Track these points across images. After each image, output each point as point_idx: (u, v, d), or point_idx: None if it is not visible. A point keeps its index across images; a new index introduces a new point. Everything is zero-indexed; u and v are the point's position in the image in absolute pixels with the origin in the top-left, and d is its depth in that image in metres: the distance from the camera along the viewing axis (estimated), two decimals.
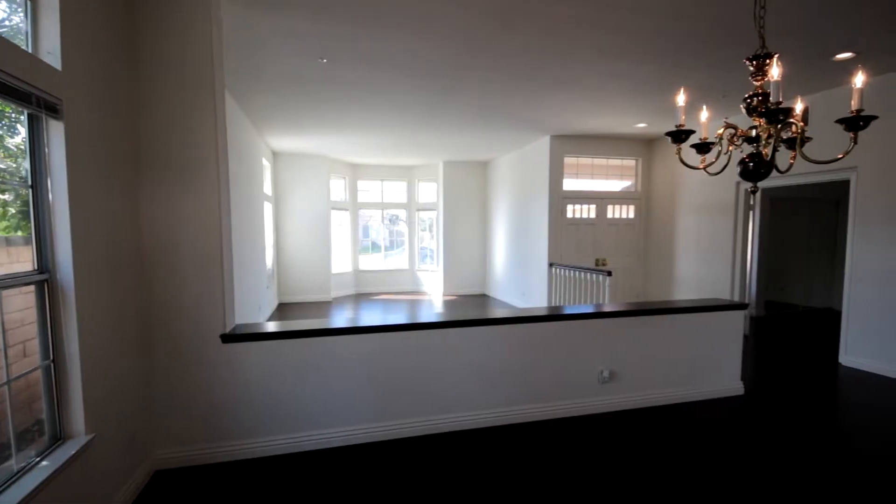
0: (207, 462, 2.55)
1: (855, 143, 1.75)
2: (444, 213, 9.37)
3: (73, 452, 1.75)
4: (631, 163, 7.30)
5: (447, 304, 8.55)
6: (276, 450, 2.66)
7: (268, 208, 7.48)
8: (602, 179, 7.24)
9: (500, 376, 3.09)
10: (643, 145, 7.19)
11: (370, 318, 3.08)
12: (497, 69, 3.95)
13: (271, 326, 2.81)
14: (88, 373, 1.88)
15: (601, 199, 7.17)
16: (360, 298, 9.11)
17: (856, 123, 1.64)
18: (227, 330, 2.56)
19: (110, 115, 2.09)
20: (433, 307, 8.29)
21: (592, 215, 7.15)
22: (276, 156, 8.22)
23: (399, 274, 10.09)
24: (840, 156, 1.69)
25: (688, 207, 6.47)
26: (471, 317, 3.08)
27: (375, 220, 10.10)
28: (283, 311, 7.75)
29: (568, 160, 6.98)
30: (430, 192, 9.97)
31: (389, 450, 2.74)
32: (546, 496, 2.26)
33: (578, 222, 7.10)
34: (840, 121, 1.67)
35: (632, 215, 7.33)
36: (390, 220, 10.19)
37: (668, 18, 3.00)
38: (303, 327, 2.76)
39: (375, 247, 10.17)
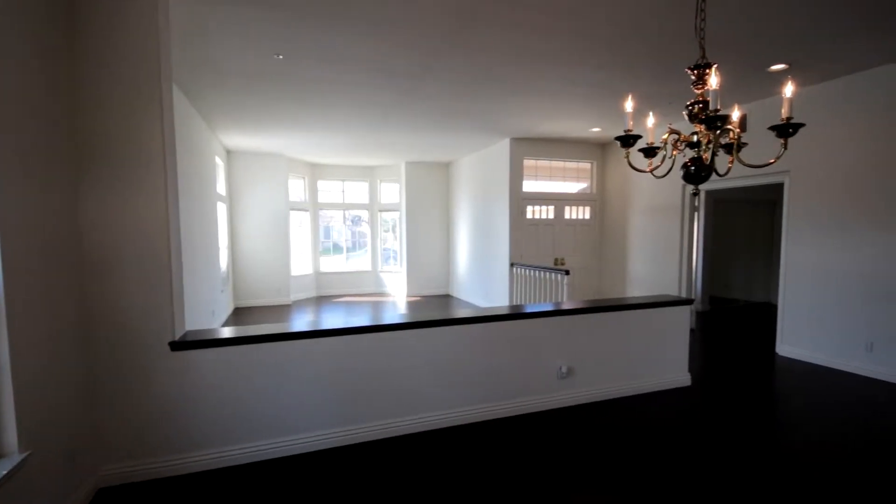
0: (158, 476, 2.42)
1: (785, 148, 1.90)
2: (406, 214, 9.35)
3: (5, 472, 1.61)
4: (586, 165, 7.57)
5: (411, 305, 8.53)
6: (234, 460, 2.56)
7: (221, 209, 7.19)
8: (560, 181, 7.46)
9: (464, 375, 3.12)
10: (598, 149, 7.46)
11: (332, 320, 3.03)
12: (457, 72, 3.99)
13: (226, 332, 2.70)
14: (21, 385, 1.74)
15: (559, 201, 7.39)
16: (322, 301, 8.92)
17: (786, 130, 1.77)
18: (177, 337, 2.44)
19: (43, 108, 1.95)
20: (397, 308, 8.24)
21: (551, 216, 7.35)
22: (230, 154, 7.91)
23: (362, 275, 9.96)
24: (772, 161, 1.83)
25: (639, 209, 6.77)
26: (434, 317, 3.09)
27: (337, 220, 9.93)
28: (239, 315, 7.47)
29: (527, 162, 7.14)
30: (392, 192, 9.91)
31: (354, 454, 2.70)
32: (510, 493, 2.31)
33: (538, 223, 7.28)
34: (772, 128, 1.80)
35: (588, 216, 7.59)
36: (352, 221, 10.05)
37: (620, 28, 3.13)
38: (260, 332, 2.67)
39: (337, 248, 9.99)
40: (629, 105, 1.91)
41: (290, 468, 2.54)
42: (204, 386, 2.49)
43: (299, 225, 9.23)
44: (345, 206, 9.85)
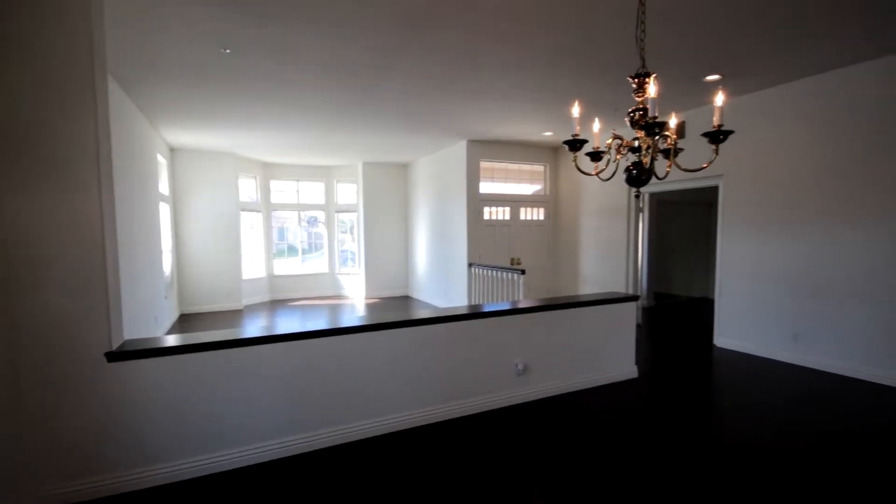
0: (103, 495, 2.26)
1: (716, 153, 2.05)
2: (364, 215, 9.23)
3: None
4: (540, 168, 7.79)
5: (370, 307, 8.43)
6: (187, 474, 2.43)
7: (165, 209, 6.80)
8: (515, 183, 7.63)
9: (424, 376, 3.13)
10: (550, 152, 7.70)
11: (286, 325, 2.94)
12: (414, 73, 3.99)
13: (169, 340, 2.56)
14: None
15: (515, 202, 7.55)
16: (276, 305, 8.63)
17: (717, 137, 1.91)
18: (114, 347, 2.29)
19: None
20: (355, 311, 8.11)
21: (507, 217, 7.50)
22: (173, 152, 7.50)
23: (318, 278, 9.73)
24: (704, 165, 1.97)
25: (589, 210, 7.05)
26: (393, 319, 3.08)
27: (292, 221, 9.64)
28: (185, 322, 7.08)
29: (484, 164, 7.25)
30: (349, 193, 9.76)
31: (314, 461, 2.63)
32: (471, 492, 2.33)
33: (495, 223, 7.40)
34: (704, 134, 1.94)
35: (542, 217, 7.81)
36: (308, 222, 9.79)
37: (568, 36, 3.25)
38: (207, 339, 2.55)
39: (292, 250, 9.70)
40: (576, 110, 1.99)
41: (246, 479, 2.44)
42: (147, 399, 2.35)
43: (251, 226, 8.88)
44: (300, 207, 9.58)
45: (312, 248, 9.90)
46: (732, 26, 3.14)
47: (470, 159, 7.02)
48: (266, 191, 9.12)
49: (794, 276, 4.40)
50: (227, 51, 3.45)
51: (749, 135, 4.67)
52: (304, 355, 2.73)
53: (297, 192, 9.54)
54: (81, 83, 2.13)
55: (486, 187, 7.28)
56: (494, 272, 6.27)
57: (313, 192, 9.68)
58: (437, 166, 8.12)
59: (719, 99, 1.94)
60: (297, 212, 9.58)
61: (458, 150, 7.22)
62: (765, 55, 3.68)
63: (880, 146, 3.77)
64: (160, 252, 6.17)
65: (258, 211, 8.96)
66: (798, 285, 4.37)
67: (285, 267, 9.57)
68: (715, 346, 5.14)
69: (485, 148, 7.12)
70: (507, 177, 7.55)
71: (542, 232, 7.81)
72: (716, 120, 1.92)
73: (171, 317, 6.92)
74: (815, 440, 2.83)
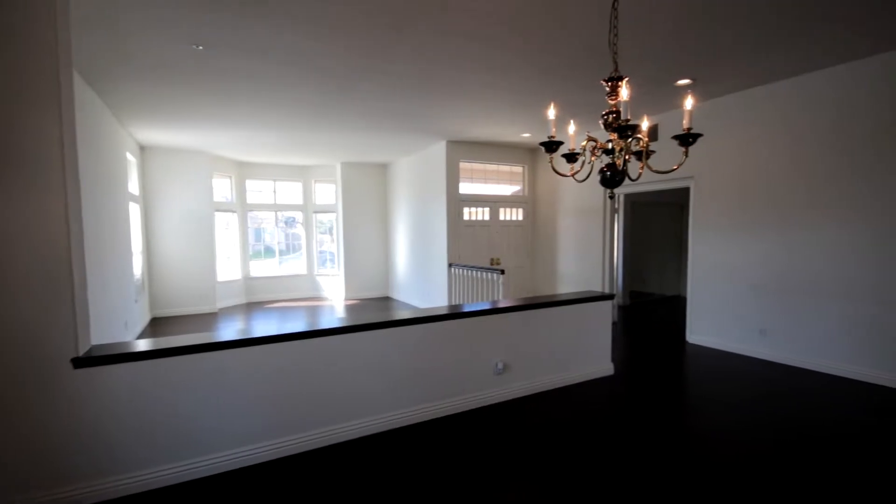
0: None
1: (686, 156, 2.12)
2: (343, 216, 9.14)
3: None
4: (519, 169, 7.87)
5: (349, 308, 8.35)
6: (163, 481, 2.36)
7: (135, 210, 6.59)
8: (494, 184, 7.69)
9: (404, 377, 3.12)
10: (528, 153, 7.79)
11: (263, 328, 2.90)
12: (393, 73, 3.98)
13: (140, 345, 2.49)
14: None
15: (494, 203, 7.61)
16: (253, 308, 8.47)
17: (686, 140, 1.97)
18: (80, 353, 2.21)
19: None
20: (334, 312, 8.03)
21: (487, 217, 7.55)
22: (144, 150, 7.27)
23: (296, 279, 9.58)
24: (675, 167, 2.03)
25: (566, 211, 7.17)
26: (372, 320, 3.06)
27: (269, 222, 9.47)
28: (157, 326, 6.88)
29: (463, 165, 7.28)
30: (328, 193, 9.65)
31: (290, 466, 2.60)
32: (451, 492, 2.34)
33: (474, 224, 7.44)
34: (674, 137, 2.00)
35: (521, 217, 7.89)
36: (286, 223, 9.64)
37: (545, 39, 3.30)
38: (180, 343, 2.49)
39: (269, 251, 9.53)
40: (552, 113, 2.03)
41: (222, 486, 2.39)
42: (117, 406, 2.27)
43: (226, 227, 8.69)
44: (277, 208, 9.42)
45: (290, 249, 9.75)
46: (702, 33, 3.25)
47: (449, 160, 7.04)
48: (241, 190, 8.94)
49: (761, 275, 4.58)
50: (200, 48, 3.37)
51: (719, 138, 4.83)
52: (281, 358, 2.69)
53: (274, 192, 9.38)
54: (45, 78, 2.05)
55: (465, 188, 7.31)
56: (474, 272, 6.30)
57: (291, 192, 9.53)
58: (416, 167, 8.11)
59: (689, 103, 2.01)
60: (273, 212, 9.42)
61: (438, 150, 7.23)
62: (733, 61, 3.82)
63: (838, 149, 3.96)
64: (130, 254, 5.97)
65: (233, 211, 8.77)
66: (764, 283, 4.55)
67: (262, 268, 9.39)
68: (687, 342, 5.29)
69: (464, 149, 7.15)
70: (486, 177, 7.60)
71: (522, 232, 7.90)
72: (685, 123, 1.98)
73: (143, 321, 6.71)
74: (778, 428, 2.95)
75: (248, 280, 9.11)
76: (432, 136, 6.72)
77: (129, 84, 4.18)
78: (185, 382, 2.43)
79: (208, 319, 7.34)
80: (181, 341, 2.52)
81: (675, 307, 7.56)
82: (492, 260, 7.51)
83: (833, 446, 2.73)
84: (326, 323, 3.02)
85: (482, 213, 7.53)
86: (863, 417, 3.15)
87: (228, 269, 8.69)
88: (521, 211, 7.89)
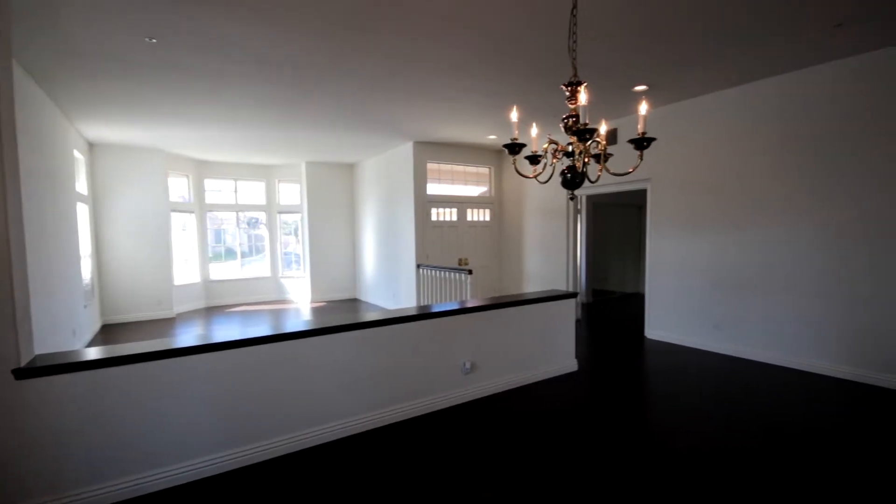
0: None
1: (641, 159, 2.22)
2: (309, 216, 8.96)
3: None
4: (485, 170, 7.97)
5: (316, 311, 8.20)
6: (111, 497, 2.24)
7: (83, 210, 6.22)
8: (461, 185, 7.75)
9: (372, 380, 3.10)
10: (495, 155, 7.90)
11: (224, 332, 2.81)
12: (356, 73, 3.94)
13: (90, 353, 2.36)
14: None
15: (461, 204, 7.67)
16: (213, 312, 8.16)
17: (641, 143, 2.07)
18: (23, 363, 2.07)
19: None
20: (300, 315, 7.86)
21: (454, 218, 7.60)
22: (93, 148, 6.88)
23: (260, 282, 9.31)
24: (630, 170, 2.13)
25: (532, 211, 7.32)
26: (339, 322, 3.02)
27: (230, 223, 9.15)
28: (109, 333, 6.52)
29: (431, 166, 7.30)
30: (292, 193, 9.43)
31: (254, 475, 2.53)
32: (422, 494, 2.35)
33: (442, 225, 7.48)
34: (630, 141, 2.09)
35: (488, 218, 7.99)
36: (248, 224, 9.35)
37: (508, 43, 3.36)
38: (132, 350, 2.38)
39: (231, 253, 9.21)
40: (514, 115, 2.07)
41: (180, 499, 2.30)
42: (64, 419, 2.15)
43: (183, 228, 8.34)
44: (238, 208, 9.13)
45: (253, 250, 9.46)
46: (657, 42, 3.40)
47: (417, 160, 7.04)
48: (200, 190, 8.60)
49: (713, 272, 4.83)
50: (153, 41, 3.23)
51: (674, 141, 5.07)
52: (243, 364, 2.62)
53: (235, 191, 9.08)
54: None
55: (433, 188, 7.33)
56: (443, 273, 6.33)
57: (253, 191, 9.26)
58: (383, 167, 8.06)
59: (643, 108, 2.11)
60: (235, 213, 9.12)
61: (405, 151, 7.22)
62: (686, 69, 4.02)
63: (781, 153, 4.24)
64: (78, 257, 5.63)
65: (191, 212, 8.43)
66: (716, 279, 4.80)
67: (223, 271, 9.07)
68: (646, 337, 5.51)
69: (431, 149, 7.17)
70: (453, 178, 7.65)
71: (489, 232, 7.99)
72: (640, 127, 2.07)
73: (93, 328, 6.34)
74: (728, 416, 3.13)
75: (208, 283, 8.77)
76: (399, 137, 6.70)
77: (76, 77, 3.95)
78: (138, 392, 2.32)
79: (165, 325, 7.02)
80: (134, 349, 2.41)
81: (634, 304, 7.85)
82: (460, 260, 7.57)
83: (776, 430, 2.93)
84: (291, 326, 2.96)
85: (450, 214, 7.57)
86: (803, 403, 3.39)
87: (186, 272, 8.34)
88: (488, 212, 7.99)
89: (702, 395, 3.60)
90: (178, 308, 7.89)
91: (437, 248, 7.35)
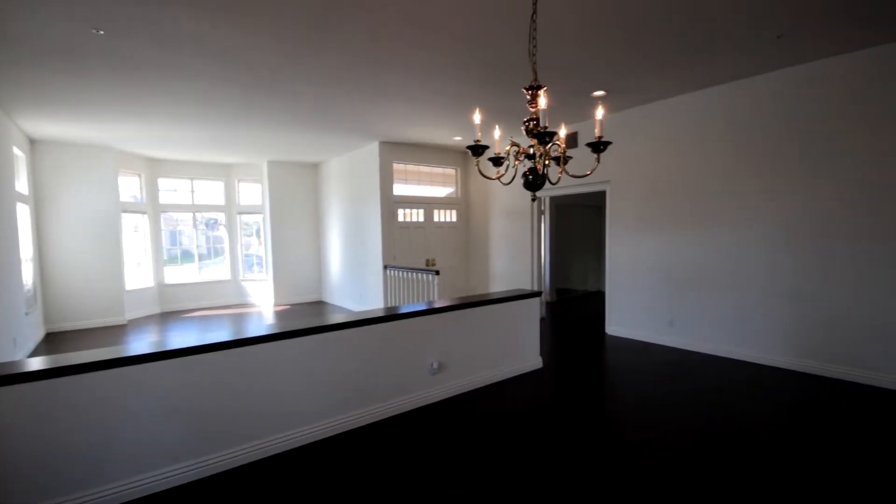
0: None
1: (598, 162, 2.30)
2: (271, 217, 8.73)
3: None
4: (451, 171, 8.01)
5: (279, 314, 7.98)
6: None
7: (24, 211, 5.81)
8: (428, 186, 7.76)
9: (338, 383, 3.06)
10: (461, 156, 7.96)
11: (180, 339, 2.70)
12: (319, 70, 3.88)
13: (33, 364, 2.21)
14: None
15: (428, 204, 7.69)
16: (169, 317, 7.81)
17: (597, 147, 2.15)
18: None
19: None
20: (262, 319, 7.63)
21: (421, 219, 7.60)
22: (35, 144, 6.44)
23: (219, 286, 8.98)
24: (588, 172, 2.20)
25: (497, 212, 7.43)
26: (303, 326, 2.97)
27: (187, 224, 8.78)
28: (53, 342, 6.11)
29: (397, 166, 7.27)
30: (254, 193, 9.15)
31: (216, 485, 2.44)
32: (393, 495, 2.34)
33: (409, 225, 7.46)
34: (588, 144, 2.17)
35: (455, 219, 8.04)
36: (207, 225, 8.99)
37: (471, 46, 3.41)
38: (81, 359, 2.25)
39: (188, 256, 8.83)
40: (477, 117, 2.11)
41: None
42: (6, 432, 2.00)
43: (135, 230, 7.93)
44: (195, 208, 8.76)
45: (212, 252, 9.11)
46: (614, 50, 3.53)
47: (382, 161, 7.00)
48: (153, 190, 8.21)
49: (668, 270, 5.06)
50: (101, 32, 3.07)
51: (631, 145, 5.28)
52: (201, 371, 2.53)
53: (192, 191, 8.72)
54: None
55: (399, 189, 7.30)
56: (410, 273, 6.32)
57: (211, 191, 8.92)
58: (349, 167, 7.96)
59: (599, 113, 2.19)
60: (192, 213, 8.76)
61: (371, 151, 7.16)
62: (641, 76, 4.20)
63: (727, 157, 4.50)
64: (18, 261, 5.25)
65: (144, 212, 8.03)
66: (671, 277, 5.04)
67: (179, 275, 8.68)
68: (606, 334, 5.71)
69: (397, 150, 7.15)
70: (420, 179, 7.65)
71: (455, 233, 8.04)
72: (597, 131, 2.15)
73: (35, 336, 5.93)
74: (678, 407, 3.30)
75: (163, 287, 8.38)
76: (364, 137, 6.64)
77: (14, 69, 3.69)
78: (87, 404, 2.20)
79: (115, 332, 6.65)
80: (81, 358, 2.28)
81: (596, 302, 8.11)
82: (427, 261, 7.57)
83: (724, 419, 3.11)
84: (252, 331, 2.88)
85: (417, 215, 7.56)
86: (749, 393, 3.61)
87: (139, 276, 7.93)
88: (454, 212, 8.04)
89: (656, 389, 3.76)
90: (131, 314, 7.49)
91: (404, 248, 7.33)
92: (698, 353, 4.75)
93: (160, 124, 5.63)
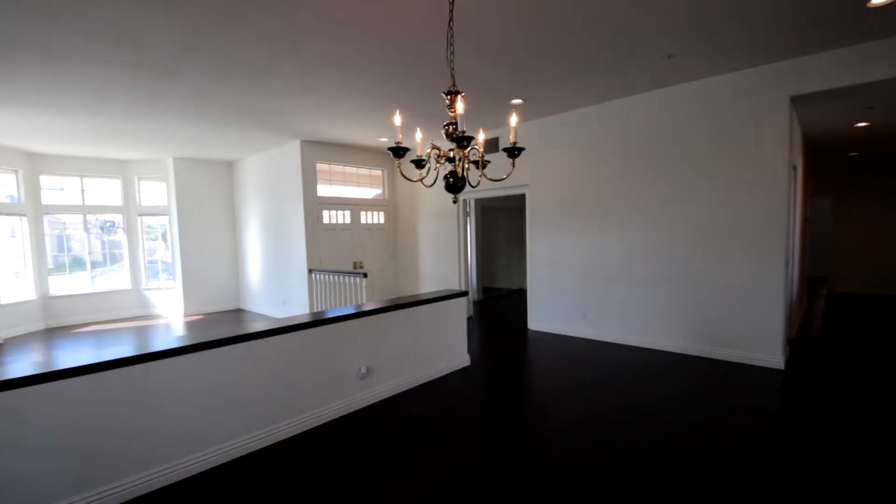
0: None
1: (513, 166, 2.43)
2: (179, 219, 8.01)
3: None
4: (378, 172, 7.94)
5: (190, 325, 7.35)
6: None
7: None
8: (354, 187, 7.61)
9: (260, 395, 2.89)
10: (387, 157, 7.91)
11: (68, 358, 2.39)
12: (230, 60, 3.62)
13: None
14: None
15: (355, 206, 7.54)
16: (55, 334, 6.86)
17: (512, 152, 2.26)
18: None
19: None
20: (170, 332, 6.98)
21: (348, 221, 7.43)
22: None
23: (118, 296, 8.06)
24: (504, 176, 2.31)
25: (425, 214, 7.50)
26: (216, 336, 2.76)
27: (77, 227, 7.77)
28: None
29: (321, 166, 7.04)
30: (157, 193, 8.31)
31: None
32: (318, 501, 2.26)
33: (335, 227, 7.26)
34: (504, 149, 2.27)
35: (382, 220, 7.97)
36: (102, 229, 8.03)
37: (387, 44, 3.39)
38: None
39: (79, 263, 7.82)
40: (398, 119, 2.12)
41: None
42: None
43: (10, 234, 6.87)
44: (87, 210, 7.79)
45: (108, 259, 8.16)
46: (527, 60, 3.73)
47: (305, 160, 6.74)
48: (34, 188, 7.17)
49: (579, 267, 5.46)
50: None
51: (547, 151, 5.61)
52: (90, 395, 2.25)
53: (82, 190, 7.74)
54: None
55: (324, 190, 7.08)
56: (337, 277, 6.16)
57: (106, 190, 7.98)
58: (268, 166, 7.56)
59: (514, 120, 2.31)
60: (82, 215, 7.77)
61: (292, 149, 6.86)
62: (554, 88, 4.48)
63: (632, 165, 4.96)
64: None
65: (22, 214, 6.98)
66: (582, 274, 5.43)
67: (69, 285, 7.66)
68: (529, 329, 6.01)
69: (321, 149, 6.92)
70: (346, 180, 7.48)
71: (384, 235, 7.97)
72: (511, 138, 2.27)
73: None
74: (591, 393, 3.58)
75: (48, 300, 7.35)
76: (284, 134, 6.34)
77: None
78: None
79: None
80: None
81: (520, 299, 8.47)
82: (355, 263, 7.43)
83: (632, 399, 3.43)
84: (156, 345, 2.63)
85: (343, 217, 7.38)
86: (653, 375, 4.01)
87: (17, 287, 6.88)
88: (382, 214, 7.96)
89: (571, 377, 4.04)
90: (7, 332, 6.47)
91: (330, 251, 7.12)
92: (608, 343, 5.17)
93: (39, 114, 4.93)
